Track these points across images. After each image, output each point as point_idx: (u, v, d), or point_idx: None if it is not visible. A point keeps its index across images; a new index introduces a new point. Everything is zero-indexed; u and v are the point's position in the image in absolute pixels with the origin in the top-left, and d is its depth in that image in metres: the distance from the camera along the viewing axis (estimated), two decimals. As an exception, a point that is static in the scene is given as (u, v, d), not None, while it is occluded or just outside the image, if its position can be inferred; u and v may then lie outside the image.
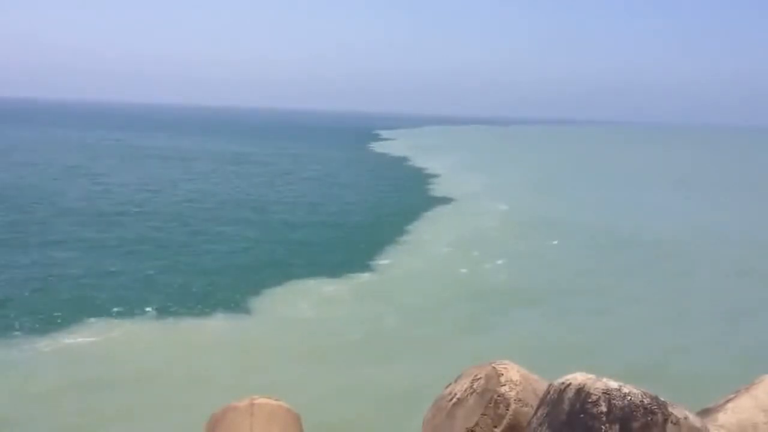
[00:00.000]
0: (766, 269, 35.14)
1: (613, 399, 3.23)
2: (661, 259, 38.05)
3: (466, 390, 4.09)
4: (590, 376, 3.42)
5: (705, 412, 4.21)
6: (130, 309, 26.91)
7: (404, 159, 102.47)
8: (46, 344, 22.93)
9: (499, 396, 3.95)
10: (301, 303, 28.73)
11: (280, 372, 20.82)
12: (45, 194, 54.44)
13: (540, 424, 3.47)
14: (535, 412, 3.60)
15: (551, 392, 3.50)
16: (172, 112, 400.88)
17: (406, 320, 26.54)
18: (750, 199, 64.47)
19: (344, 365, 21.84)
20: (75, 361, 21.71)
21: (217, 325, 25.95)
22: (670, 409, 3.24)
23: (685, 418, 3.26)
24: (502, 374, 4.02)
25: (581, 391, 3.33)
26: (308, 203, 57.27)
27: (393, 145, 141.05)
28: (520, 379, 4.01)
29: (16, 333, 23.86)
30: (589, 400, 3.27)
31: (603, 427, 3.20)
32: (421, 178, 77.80)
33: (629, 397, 3.24)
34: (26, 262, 33.07)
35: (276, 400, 4.48)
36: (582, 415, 3.26)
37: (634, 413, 3.19)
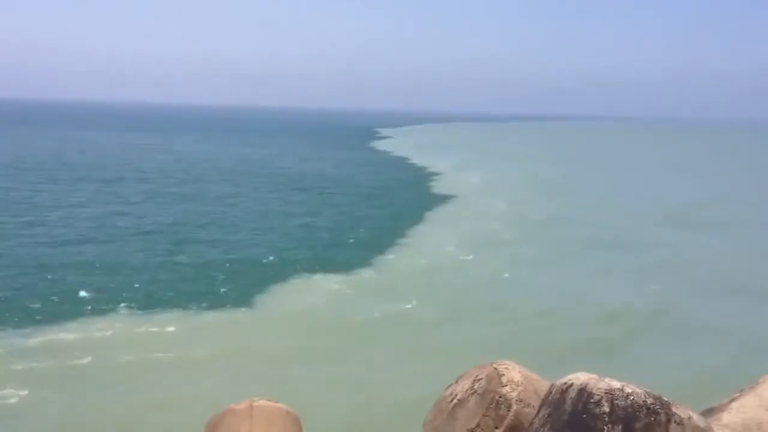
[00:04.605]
0: None
1: (616, 399, 3.20)
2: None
3: (467, 391, 4.05)
4: (592, 375, 3.38)
5: (709, 412, 4.17)
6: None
7: (406, 158, 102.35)
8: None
9: (500, 397, 3.91)
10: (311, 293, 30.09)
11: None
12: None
13: (542, 425, 3.43)
14: (537, 413, 3.56)
15: (553, 392, 3.46)
16: (173, 113, 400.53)
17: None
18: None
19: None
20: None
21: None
22: (673, 409, 3.20)
23: (689, 418, 3.22)
24: (504, 375, 3.98)
25: (583, 392, 3.29)
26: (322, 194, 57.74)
27: (394, 143, 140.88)
28: (521, 380, 3.97)
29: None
30: (592, 401, 3.24)
31: (605, 427, 3.16)
32: (424, 176, 77.80)
33: (632, 397, 3.20)
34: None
35: (275, 402, 4.44)
36: (584, 416, 3.22)
37: (637, 413, 3.16)
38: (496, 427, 3.84)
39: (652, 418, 3.13)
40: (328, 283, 31.53)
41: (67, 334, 23.93)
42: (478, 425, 3.86)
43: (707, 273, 34.47)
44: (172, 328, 24.94)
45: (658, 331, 25.86)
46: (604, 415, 3.16)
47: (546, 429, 3.37)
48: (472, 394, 4.00)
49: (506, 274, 33.51)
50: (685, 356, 22.89)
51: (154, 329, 24.78)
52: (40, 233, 40.73)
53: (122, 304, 27.30)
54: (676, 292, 30.81)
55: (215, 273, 33.03)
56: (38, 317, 25.59)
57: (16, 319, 25.33)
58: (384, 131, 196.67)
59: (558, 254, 37.85)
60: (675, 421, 3.16)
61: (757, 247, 41.10)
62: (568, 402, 3.30)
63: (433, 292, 30.10)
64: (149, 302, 27.75)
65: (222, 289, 30.19)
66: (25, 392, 19.27)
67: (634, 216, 51.01)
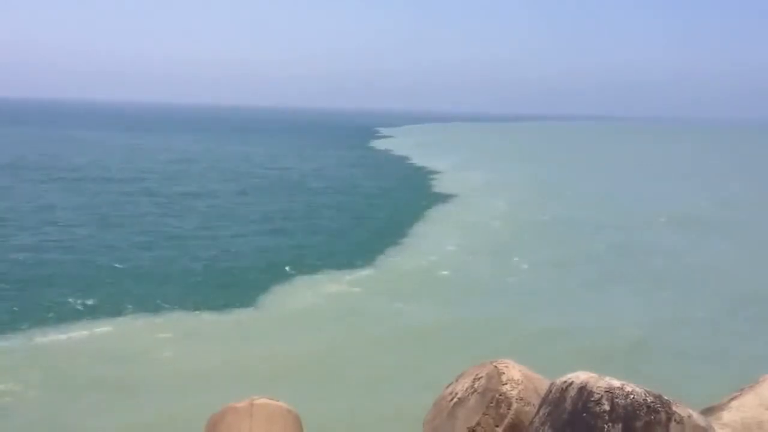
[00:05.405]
0: None
1: (616, 398, 3.20)
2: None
3: (467, 389, 4.06)
4: (592, 374, 3.39)
5: (709, 411, 4.17)
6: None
7: (406, 157, 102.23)
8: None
9: (500, 395, 3.91)
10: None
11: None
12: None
13: (542, 423, 3.44)
14: (537, 411, 3.56)
15: (553, 391, 3.47)
16: (174, 112, 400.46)
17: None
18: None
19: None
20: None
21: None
22: (673, 408, 3.20)
23: (689, 416, 3.23)
24: (504, 373, 3.98)
25: (583, 390, 3.29)
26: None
27: (394, 142, 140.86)
28: (521, 378, 3.97)
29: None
30: (592, 399, 3.24)
31: (606, 426, 3.17)
32: (424, 175, 77.78)
33: (632, 396, 3.20)
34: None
35: (276, 400, 4.44)
36: (584, 414, 3.23)
37: (637, 412, 3.16)
38: (497, 426, 3.85)
39: (653, 417, 3.14)
40: (330, 283, 31.51)
41: (69, 335, 23.94)
42: (478, 424, 3.87)
43: (729, 281, 32.94)
44: (174, 330, 24.91)
45: (684, 349, 24.02)
46: (605, 414, 3.16)
47: (546, 428, 3.38)
48: (473, 392, 4.00)
49: (510, 278, 33.14)
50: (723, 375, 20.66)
51: (157, 332, 24.73)
52: (39, 234, 40.74)
53: (126, 307, 27.27)
54: (698, 302, 29.49)
55: (217, 274, 33.06)
56: (38, 320, 25.59)
57: (16, 321, 25.34)
58: (384, 130, 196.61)
59: (563, 257, 37.22)
60: (675, 420, 3.16)
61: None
62: (568, 400, 3.30)
63: (435, 294, 29.93)
64: (152, 305, 27.70)
65: (224, 290, 30.17)
66: (24, 395, 19.31)
67: (639, 217, 50.04)
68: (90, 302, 27.63)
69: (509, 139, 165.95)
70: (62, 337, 23.71)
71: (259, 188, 65.02)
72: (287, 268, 33.86)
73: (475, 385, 4.03)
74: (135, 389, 19.67)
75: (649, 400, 3.18)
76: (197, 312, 27.13)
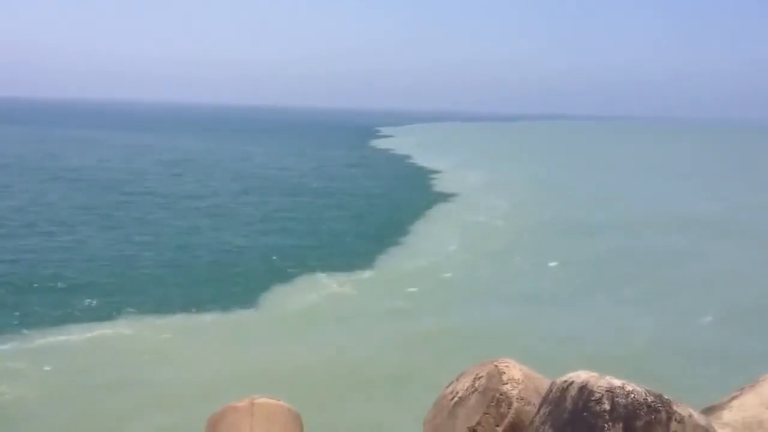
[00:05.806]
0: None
1: (617, 397, 3.19)
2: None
3: (467, 389, 4.05)
4: (593, 373, 3.38)
5: (710, 410, 4.17)
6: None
7: (407, 157, 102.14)
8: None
9: (501, 394, 3.91)
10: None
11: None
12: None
13: (543, 423, 3.43)
14: (538, 411, 3.56)
15: (554, 390, 3.46)
16: (174, 112, 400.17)
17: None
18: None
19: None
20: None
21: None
22: (674, 407, 3.20)
23: (690, 416, 3.22)
24: (504, 372, 3.98)
25: (584, 389, 3.29)
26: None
27: (395, 142, 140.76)
28: (522, 378, 3.97)
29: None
30: (592, 398, 3.23)
31: (606, 425, 3.16)
32: (425, 175, 77.73)
33: (633, 395, 3.20)
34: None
35: (276, 399, 4.44)
36: (585, 414, 3.22)
37: (638, 411, 3.15)
38: (497, 425, 3.84)
39: (653, 416, 3.13)
40: (331, 283, 31.51)
41: (69, 337, 23.90)
42: (479, 423, 3.87)
43: (729, 281, 32.33)
44: (175, 331, 24.89)
45: (686, 349, 23.44)
46: (605, 413, 3.16)
47: (546, 427, 3.37)
48: (473, 392, 4.00)
49: (512, 279, 32.97)
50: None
51: (158, 332, 24.71)
52: (40, 234, 40.71)
53: (126, 307, 27.22)
54: (698, 302, 28.86)
55: (218, 274, 33.03)
56: (38, 321, 25.52)
57: (16, 323, 25.30)
58: (384, 130, 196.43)
59: (565, 258, 36.86)
60: (676, 419, 3.16)
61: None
62: (569, 400, 3.30)
63: (436, 296, 29.84)
64: (153, 305, 27.66)
65: (225, 291, 30.14)
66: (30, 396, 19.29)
67: (640, 218, 49.51)
68: (90, 303, 27.63)
69: (509, 139, 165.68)
70: (62, 338, 23.70)
71: (259, 188, 64.98)
72: (288, 269, 33.87)
73: (476, 385, 4.02)
74: (135, 389, 19.67)
75: (649, 400, 3.18)
76: (198, 312, 27.12)
